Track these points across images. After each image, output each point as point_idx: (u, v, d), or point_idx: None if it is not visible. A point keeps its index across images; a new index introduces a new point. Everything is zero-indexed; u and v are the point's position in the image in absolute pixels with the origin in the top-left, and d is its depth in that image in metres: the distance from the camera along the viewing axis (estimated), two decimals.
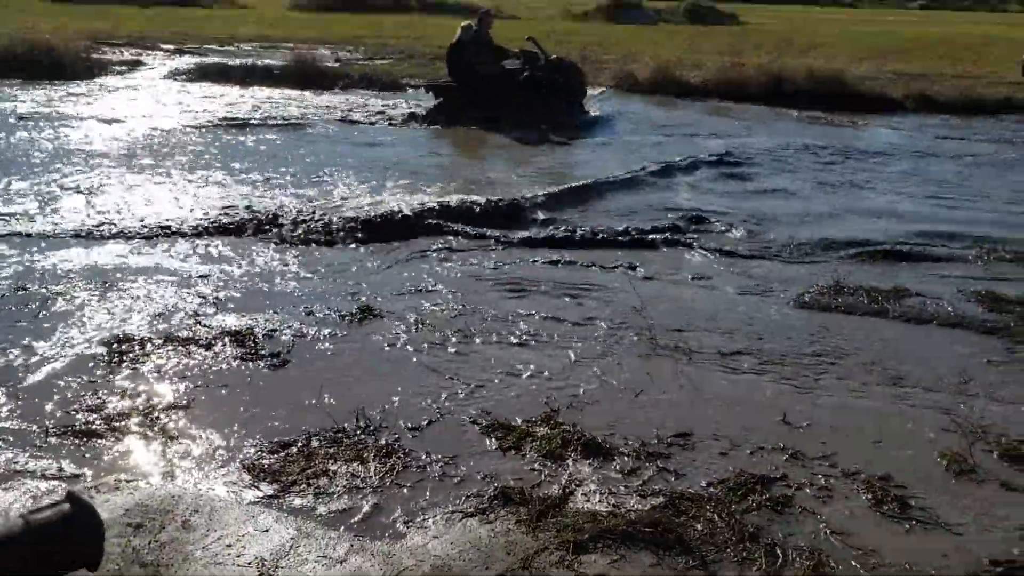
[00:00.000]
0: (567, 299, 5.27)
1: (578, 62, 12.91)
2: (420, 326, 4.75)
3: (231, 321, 4.72)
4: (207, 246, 6.06)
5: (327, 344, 4.50)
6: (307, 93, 14.32)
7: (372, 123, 11.71)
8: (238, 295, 5.16)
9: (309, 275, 5.58)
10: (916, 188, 8.73)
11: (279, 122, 11.37)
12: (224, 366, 4.20)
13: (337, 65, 17.12)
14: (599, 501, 3.12)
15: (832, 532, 3.00)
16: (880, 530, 3.04)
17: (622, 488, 3.21)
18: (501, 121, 11.15)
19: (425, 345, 4.50)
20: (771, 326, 4.92)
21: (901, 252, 6.35)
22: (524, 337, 4.65)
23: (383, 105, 13.17)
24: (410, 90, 14.88)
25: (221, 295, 5.13)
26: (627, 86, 15.22)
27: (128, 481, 3.18)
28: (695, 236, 6.65)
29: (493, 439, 3.57)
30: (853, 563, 2.83)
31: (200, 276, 5.45)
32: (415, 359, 4.35)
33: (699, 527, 2.96)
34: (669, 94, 15.03)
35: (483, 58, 11.64)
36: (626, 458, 3.43)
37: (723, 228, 6.86)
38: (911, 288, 5.55)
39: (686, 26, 36.21)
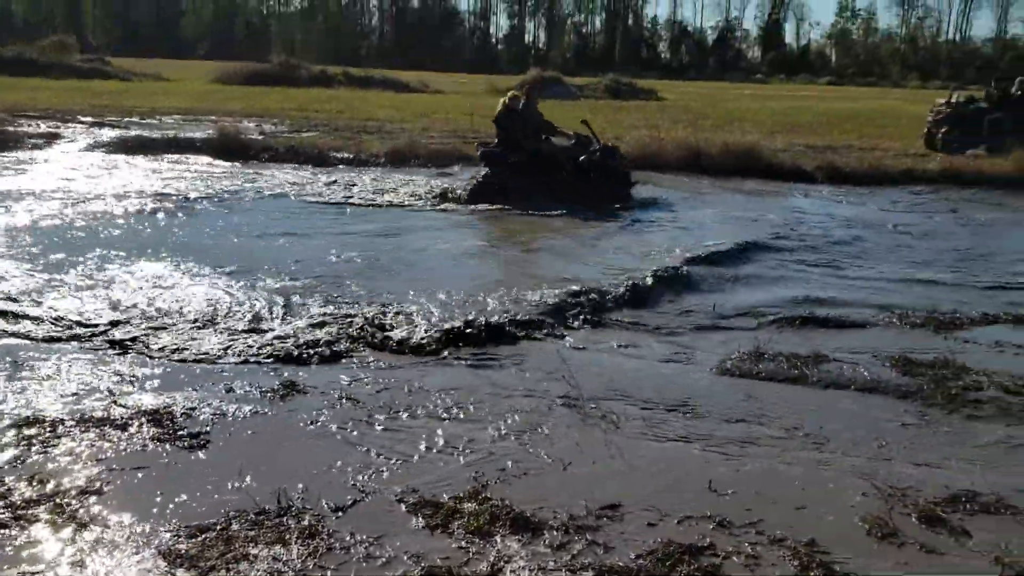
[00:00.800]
0: (490, 370, 5.25)
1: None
2: (344, 401, 4.67)
3: (148, 400, 4.57)
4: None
5: (248, 422, 4.38)
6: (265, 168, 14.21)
7: (402, 204, 11.14)
8: (157, 371, 5.01)
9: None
10: (829, 256, 9.03)
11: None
12: (140, 447, 4.05)
13: (261, 138, 17.09)
14: None
15: None
16: None
17: (551, 563, 3.17)
18: (536, 199, 10.88)
19: (350, 421, 4.42)
20: (696, 393, 4.97)
21: (818, 318, 6.51)
22: (450, 410, 4.60)
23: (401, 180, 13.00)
24: (340, 165, 14.91)
25: (138, 372, 4.97)
26: None
27: (35, 574, 3.01)
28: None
29: (420, 517, 3.50)
30: None
31: (118, 354, 5.28)
32: (339, 435, 4.26)
33: None
34: None
35: (528, 132, 11.43)
36: (555, 532, 3.40)
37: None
38: (828, 354, 5.70)
39: (607, 101, 37.23)
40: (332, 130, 19.35)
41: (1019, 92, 19.05)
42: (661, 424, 4.52)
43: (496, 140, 11.71)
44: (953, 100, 19.72)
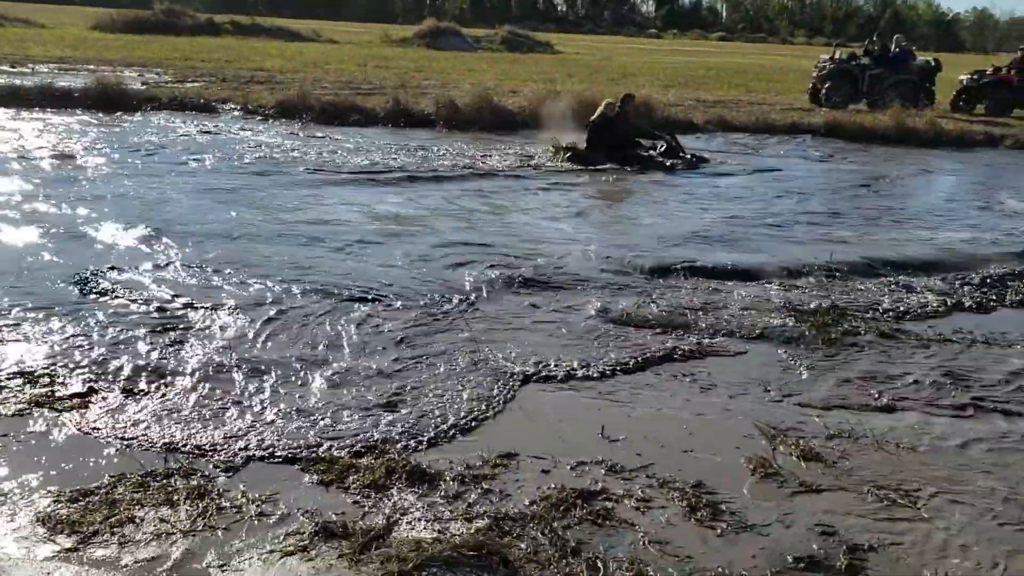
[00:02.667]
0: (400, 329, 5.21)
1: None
2: (233, 353, 4.55)
3: (29, 361, 4.35)
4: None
5: (131, 382, 4.22)
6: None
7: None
8: (40, 329, 4.77)
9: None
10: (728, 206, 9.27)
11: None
12: (18, 410, 3.86)
13: (144, 88, 16.31)
14: (424, 528, 3.08)
15: (651, 542, 3.10)
16: (695, 536, 3.17)
17: (447, 513, 3.19)
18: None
19: (241, 377, 4.32)
20: (586, 342, 5.05)
21: (708, 268, 6.68)
22: (344, 365, 4.55)
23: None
24: (233, 112, 14.38)
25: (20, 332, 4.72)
26: (448, 113, 15.26)
27: None
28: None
29: (314, 474, 3.46)
30: (671, 570, 2.94)
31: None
32: (231, 392, 4.16)
33: (523, 546, 2.98)
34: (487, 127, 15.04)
35: (619, 143, 11.67)
36: (452, 483, 3.42)
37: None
38: (718, 302, 5.86)
39: (504, 54, 37.05)
40: (219, 80, 18.64)
41: (897, 49, 19.85)
42: (555, 373, 4.58)
43: (586, 142, 11.84)
44: (836, 56, 20.41)
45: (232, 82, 18.39)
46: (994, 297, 6.34)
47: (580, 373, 4.60)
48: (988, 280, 6.71)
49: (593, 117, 11.89)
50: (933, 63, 19.82)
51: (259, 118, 14.44)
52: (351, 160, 10.94)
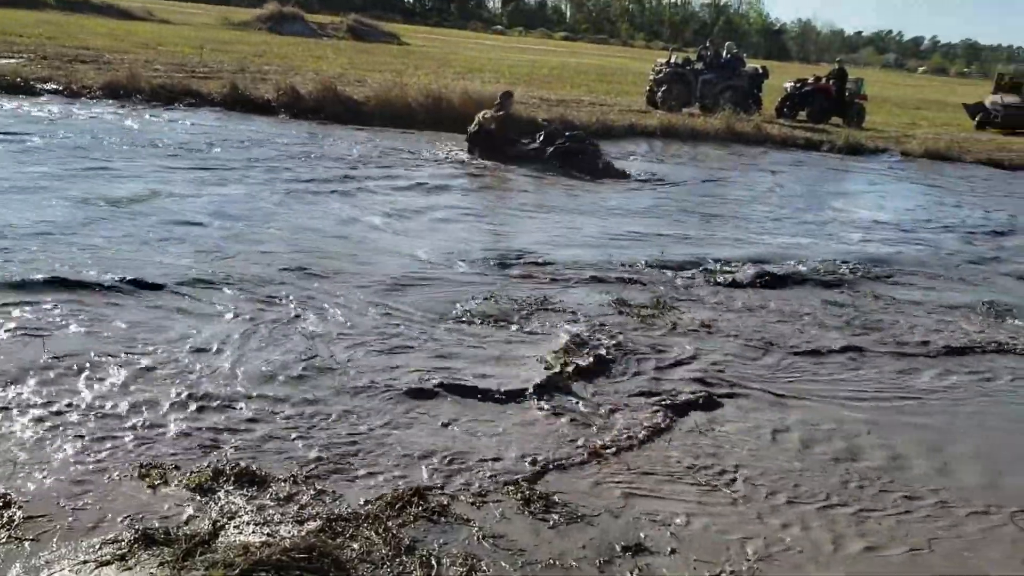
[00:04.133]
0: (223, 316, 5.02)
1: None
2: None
3: None
4: None
5: None
6: None
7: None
8: None
9: None
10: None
11: None
12: None
13: None
14: (252, 532, 2.99)
15: (485, 537, 3.13)
16: (529, 529, 3.22)
17: (277, 516, 3.10)
18: None
19: (53, 375, 4.04)
20: (423, 341, 5.03)
21: (548, 265, 6.82)
22: (160, 363, 4.34)
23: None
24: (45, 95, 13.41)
25: None
26: (290, 100, 14.83)
27: None
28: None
29: (136, 477, 3.28)
30: (504, 564, 2.97)
31: None
32: (44, 391, 3.88)
33: (356, 546, 2.94)
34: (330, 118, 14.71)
35: (502, 143, 11.85)
36: (283, 484, 3.32)
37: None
38: (554, 299, 5.99)
39: (350, 43, 36.42)
40: (39, 58, 17.35)
41: (728, 55, 20.88)
42: (388, 367, 4.54)
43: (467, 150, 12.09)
44: (672, 61, 21.24)
45: (54, 60, 17.16)
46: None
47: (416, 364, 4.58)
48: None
49: (471, 128, 12.08)
50: (761, 70, 20.95)
51: (84, 100, 13.54)
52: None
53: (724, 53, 20.94)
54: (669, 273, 6.91)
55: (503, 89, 13.08)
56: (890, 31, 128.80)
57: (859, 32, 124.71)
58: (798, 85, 21.59)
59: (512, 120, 12.39)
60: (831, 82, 21.21)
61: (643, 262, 7.13)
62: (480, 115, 12.16)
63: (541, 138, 12.09)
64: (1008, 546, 3.46)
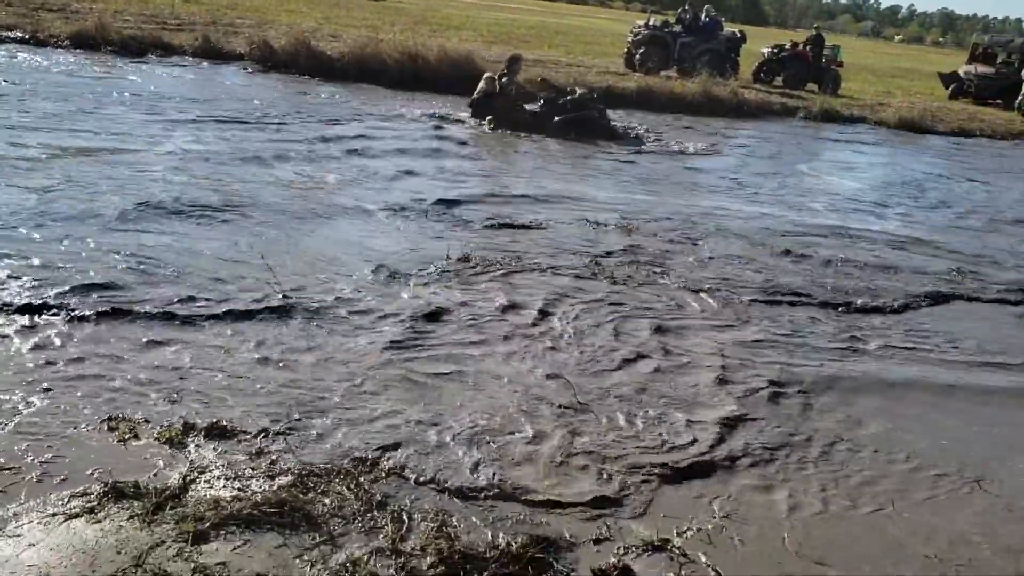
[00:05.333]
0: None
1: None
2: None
3: None
4: None
5: None
6: None
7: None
8: None
9: None
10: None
11: None
12: None
13: None
14: (223, 487, 2.98)
15: (454, 493, 3.15)
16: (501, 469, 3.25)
17: (248, 470, 3.10)
18: None
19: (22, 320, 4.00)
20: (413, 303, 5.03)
21: (525, 225, 6.83)
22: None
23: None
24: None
25: None
26: (263, 55, 14.60)
27: None
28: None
29: (105, 431, 3.27)
30: (474, 519, 3.00)
31: None
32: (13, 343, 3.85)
33: (327, 502, 2.95)
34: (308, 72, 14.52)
35: (514, 102, 11.63)
36: (254, 438, 3.32)
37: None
38: (531, 254, 6.01)
39: None
40: (3, 4, 16.90)
41: (707, 19, 20.77)
42: (366, 324, 4.53)
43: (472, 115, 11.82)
44: (650, 23, 21.11)
45: (18, 7, 16.72)
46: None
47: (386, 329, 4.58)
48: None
49: (475, 94, 11.89)
50: (739, 35, 20.88)
51: (50, 49, 13.24)
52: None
53: (703, 16, 20.83)
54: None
55: (510, 53, 12.91)
56: None
57: None
58: (775, 51, 21.57)
59: (518, 85, 12.18)
60: (808, 48, 21.22)
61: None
62: (484, 79, 11.98)
63: (542, 103, 11.90)
64: None
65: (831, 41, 22.05)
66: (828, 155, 13.64)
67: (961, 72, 24.99)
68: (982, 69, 24.53)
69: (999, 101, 23.40)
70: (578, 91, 12.28)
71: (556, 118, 11.63)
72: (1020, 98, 22.22)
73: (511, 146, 10.75)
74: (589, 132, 11.66)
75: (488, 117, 11.62)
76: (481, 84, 11.89)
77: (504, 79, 11.86)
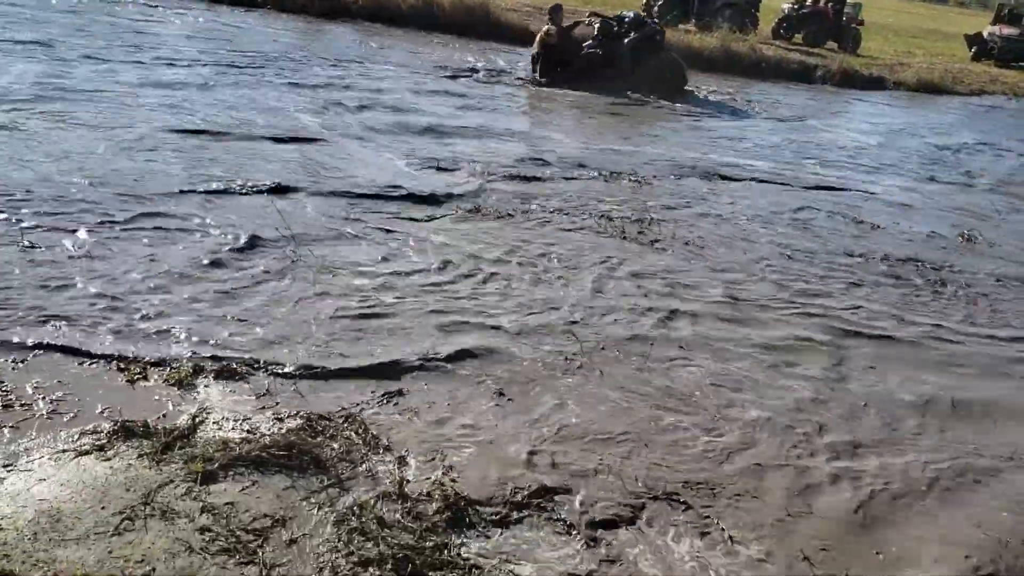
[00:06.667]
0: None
1: None
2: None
3: None
4: None
5: None
6: None
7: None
8: None
9: None
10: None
11: None
12: None
13: None
14: (232, 428, 3.00)
15: (459, 427, 3.17)
16: (501, 423, 3.26)
17: (257, 413, 3.11)
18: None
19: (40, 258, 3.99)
20: (432, 245, 5.01)
21: (534, 177, 6.79)
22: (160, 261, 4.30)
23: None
24: None
25: None
26: None
27: None
28: None
29: (115, 370, 3.27)
30: (474, 452, 3.00)
31: None
32: (28, 273, 3.84)
33: (335, 445, 2.96)
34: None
35: (571, 48, 11.74)
36: (263, 381, 3.33)
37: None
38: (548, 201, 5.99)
39: None
40: None
41: None
42: (367, 287, 4.52)
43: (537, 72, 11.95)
44: None
45: None
46: None
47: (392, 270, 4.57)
48: None
49: (533, 50, 11.88)
50: None
51: None
52: None
53: None
54: None
55: (552, 3, 12.62)
56: None
57: None
58: (796, 7, 21.16)
59: (567, 31, 12.10)
60: (829, 5, 20.80)
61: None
62: (539, 35, 11.94)
63: (600, 39, 11.90)
64: None
65: None
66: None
67: (985, 33, 24.48)
68: (1007, 31, 24.00)
69: (1023, 64, 22.99)
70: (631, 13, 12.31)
71: (625, 40, 11.69)
72: None
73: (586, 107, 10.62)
74: (657, 50, 11.97)
75: (557, 70, 11.64)
76: (535, 47, 11.87)
77: (554, 29, 11.77)
